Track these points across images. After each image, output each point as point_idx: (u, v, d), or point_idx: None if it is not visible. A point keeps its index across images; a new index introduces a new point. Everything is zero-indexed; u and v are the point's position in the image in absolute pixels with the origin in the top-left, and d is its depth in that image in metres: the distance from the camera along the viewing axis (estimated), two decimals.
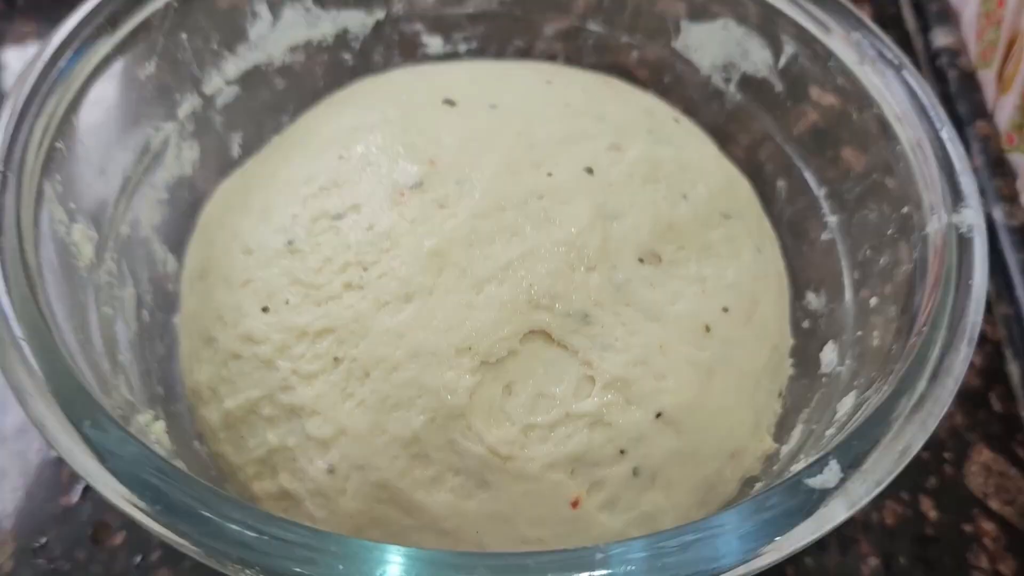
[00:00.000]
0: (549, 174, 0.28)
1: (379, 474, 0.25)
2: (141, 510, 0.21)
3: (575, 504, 0.26)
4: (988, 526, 0.38)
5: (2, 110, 0.28)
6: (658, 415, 0.26)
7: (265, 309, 0.28)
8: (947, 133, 0.29)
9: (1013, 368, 0.42)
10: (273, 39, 0.37)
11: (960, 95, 0.52)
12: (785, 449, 0.29)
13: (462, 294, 0.26)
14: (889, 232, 0.30)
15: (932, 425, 0.23)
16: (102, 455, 0.21)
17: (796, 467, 0.26)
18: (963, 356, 0.24)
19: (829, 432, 0.26)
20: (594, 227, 0.27)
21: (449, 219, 0.27)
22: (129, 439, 0.21)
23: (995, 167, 0.48)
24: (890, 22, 0.59)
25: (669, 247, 0.29)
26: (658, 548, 0.20)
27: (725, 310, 0.28)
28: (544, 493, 0.26)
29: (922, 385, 0.23)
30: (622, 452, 0.26)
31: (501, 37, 0.40)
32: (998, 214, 0.46)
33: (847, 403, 0.27)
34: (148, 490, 0.20)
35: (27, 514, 0.36)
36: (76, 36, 0.30)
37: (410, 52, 0.40)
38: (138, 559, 0.35)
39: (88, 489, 0.36)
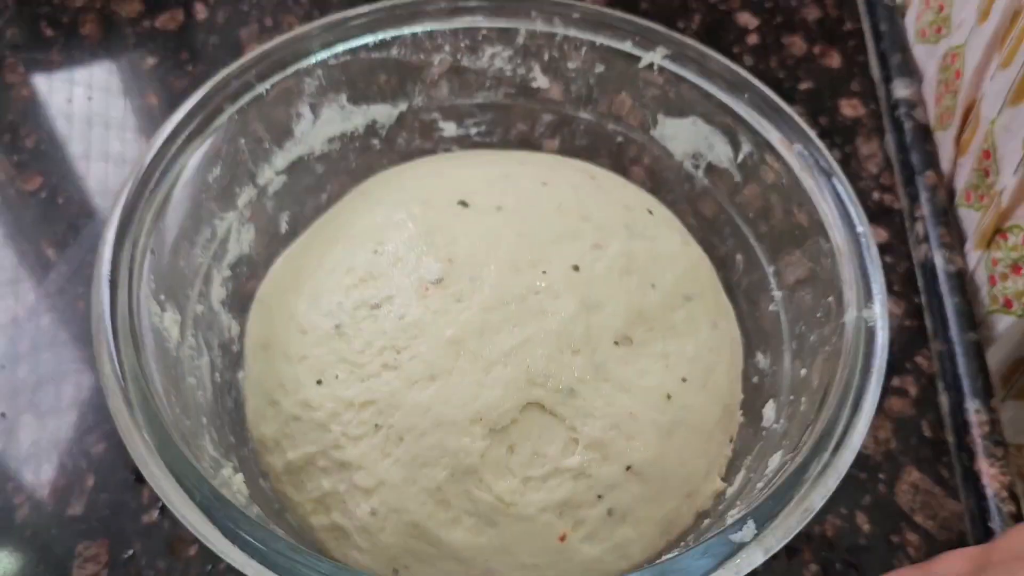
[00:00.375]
0: (544, 272, 0.35)
1: (411, 516, 0.33)
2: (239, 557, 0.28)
3: (563, 538, 0.33)
4: (912, 537, 0.44)
5: (106, 228, 0.35)
6: (628, 468, 0.34)
7: (319, 382, 0.35)
8: (864, 238, 0.36)
9: (943, 399, 0.49)
10: (314, 133, 0.43)
11: (914, 145, 0.58)
12: (731, 490, 0.36)
13: (475, 375, 0.33)
14: (818, 315, 0.37)
15: (832, 487, 0.30)
16: (212, 518, 0.28)
17: (732, 511, 0.33)
18: (860, 431, 0.31)
19: (759, 485, 0.33)
20: (579, 317, 0.34)
21: (464, 311, 0.34)
22: (229, 504, 0.29)
23: (939, 216, 0.54)
24: (858, 70, 0.64)
25: (639, 330, 0.36)
26: None
27: (684, 380, 0.36)
28: (539, 530, 0.33)
29: (826, 456, 0.30)
30: (599, 497, 0.33)
31: (506, 122, 0.47)
32: (939, 260, 0.53)
33: (775, 460, 0.34)
34: (244, 544, 0.28)
35: (116, 531, 0.42)
36: (162, 157, 0.36)
37: (428, 135, 0.46)
38: (208, 567, 0.41)
39: (165, 509, 0.43)
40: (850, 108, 0.62)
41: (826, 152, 0.38)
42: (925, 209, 0.55)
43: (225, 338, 0.40)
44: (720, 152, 0.42)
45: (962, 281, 0.52)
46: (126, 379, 0.31)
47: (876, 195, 0.57)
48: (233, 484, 0.33)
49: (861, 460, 0.47)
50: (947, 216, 0.54)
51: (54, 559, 0.41)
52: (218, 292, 0.39)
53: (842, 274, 0.35)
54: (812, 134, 0.39)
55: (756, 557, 0.28)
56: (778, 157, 0.39)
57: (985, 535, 0.43)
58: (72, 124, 0.58)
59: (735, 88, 0.40)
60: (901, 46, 0.63)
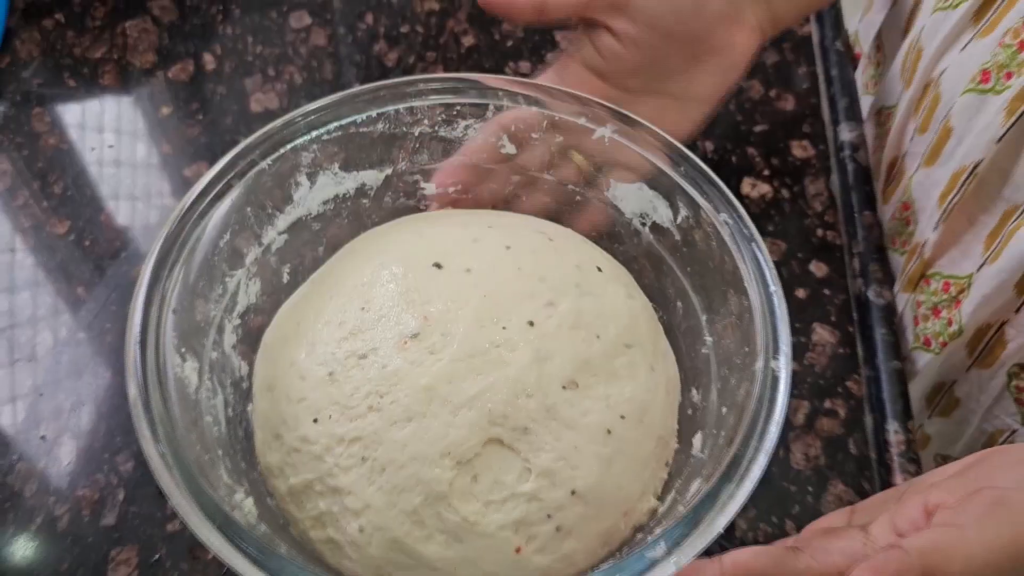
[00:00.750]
0: (504, 327, 0.42)
1: (392, 533, 0.39)
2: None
3: (518, 551, 0.40)
4: None
5: (136, 296, 0.40)
6: (572, 492, 0.40)
7: (315, 420, 0.41)
8: (776, 297, 0.41)
9: (868, 420, 0.55)
10: (310, 197, 0.49)
11: (855, 186, 0.64)
12: (662, 508, 0.43)
13: (444, 416, 0.40)
14: (737, 361, 0.43)
15: (733, 512, 0.36)
16: (231, 541, 0.35)
17: (659, 528, 0.40)
18: (761, 465, 0.37)
19: (680, 508, 0.40)
20: (532, 367, 0.41)
21: (437, 362, 0.41)
22: (240, 527, 0.35)
23: (874, 253, 0.60)
24: (810, 112, 0.70)
25: (584, 376, 0.42)
26: None
27: (622, 417, 0.42)
28: (498, 544, 0.40)
29: (731, 488, 0.37)
30: (549, 516, 0.40)
31: (479, 183, 0.53)
32: (871, 294, 0.59)
33: (695, 485, 0.41)
34: (258, 563, 0.35)
35: (145, 538, 0.49)
36: (181, 228, 0.42)
37: (412, 195, 0.53)
38: (225, 570, 0.46)
39: None
40: (800, 149, 0.68)
41: (748, 221, 0.44)
42: (862, 246, 0.61)
43: (236, 377, 0.46)
44: (662, 213, 0.48)
45: (891, 314, 0.58)
46: (156, 425, 0.37)
47: (820, 232, 0.63)
48: (244, 507, 0.40)
49: (792, 474, 0.53)
50: (881, 254, 0.61)
51: (91, 563, 0.48)
52: (229, 339, 0.46)
53: (756, 327, 0.42)
54: (737, 204, 0.45)
55: (668, 569, 0.35)
56: (708, 222, 0.45)
57: None
58: (96, 171, 0.64)
59: (674, 161, 0.47)
60: (849, 91, 0.69)
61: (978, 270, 0.50)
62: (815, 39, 0.74)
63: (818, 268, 0.61)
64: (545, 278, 0.44)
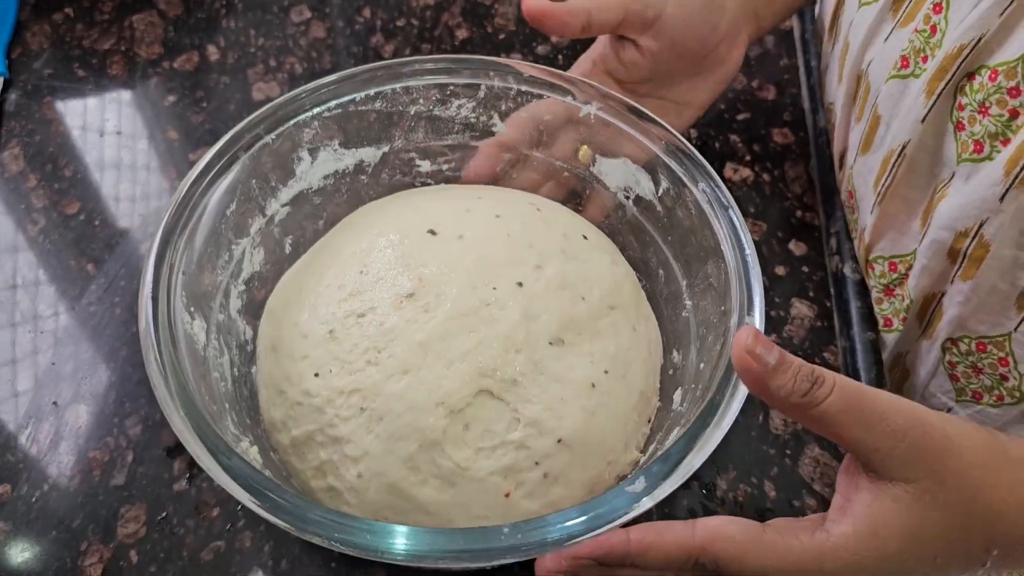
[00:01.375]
0: (494, 288, 0.45)
1: (389, 479, 0.42)
2: (256, 504, 0.37)
3: (507, 495, 0.42)
4: (811, 502, 0.52)
5: (148, 257, 0.43)
6: (559, 440, 0.43)
7: (316, 375, 0.44)
8: (750, 259, 0.44)
9: None
10: (312, 172, 0.52)
11: (832, 170, 0.67)
12: (643, 459, 0.46)
13: (438, 370, 0.43)
14: (714, 320, 0.46)
15: (705, 455, 0.39)
16: (234, 475, 0.38)
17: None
18: (732, 412, 0.39)
19: (660, 453, 0.42)
20: (521, 325, 0.44)
21: (431, 321, 0.44)
22: (245, 465, 0.38)
23: (850, 233, 0.63)
24: (791, 101, 0.72)
25: (570, 334, 0.45)
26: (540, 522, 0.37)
27: (606, 372, 0.45)
28: (488, 489, 0.42)
29: (708, 431, 0.39)
30: (536, 463, 0.43)
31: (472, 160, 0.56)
32: (847, 270, 0.62)
33: (675, 434, 0.43)
34: (259, 495, 0.37)
35: (152, 497, 0.50)
36: (189, 197, 0.45)
37: (407, 172, 0.56)
38: (228, 525, 0.50)
39: (192, 478, 0.51)
40: (781, 136, 0.70)
41: (724, 189, 0.47)
42: (838, 226, 0.63)
43: (241, 340, 0.49)
44: (645, 187, 0.51)
45: (865, 289, 0.61)
46: (167, 374, 0.40)
47: (799, 213, 0.66)
48: (250, 454, 0.43)
49: (771, 438, 0.55)
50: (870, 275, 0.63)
51: (102, 519, 0.50)
52: (235, 303, 0.49)
53: (731, 288, 0.44)
54: (714, 174, 0.48)
55: (645, 504, 0.37)
56: (688, 192, 0.48)
57: None
58: (104, 155, 0.67)
59: (655, 136, 0.49)
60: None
61: (919, 244, 0.53)
62: (796, 32, 0.77)
63: (797, 247, 0.64)
64: (533, 244, 0.47)
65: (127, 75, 0.72)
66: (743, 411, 0.54)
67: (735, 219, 0.46)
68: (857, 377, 0.57)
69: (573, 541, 0.36)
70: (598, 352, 0.45)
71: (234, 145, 0.47)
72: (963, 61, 0.46)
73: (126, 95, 0.71)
